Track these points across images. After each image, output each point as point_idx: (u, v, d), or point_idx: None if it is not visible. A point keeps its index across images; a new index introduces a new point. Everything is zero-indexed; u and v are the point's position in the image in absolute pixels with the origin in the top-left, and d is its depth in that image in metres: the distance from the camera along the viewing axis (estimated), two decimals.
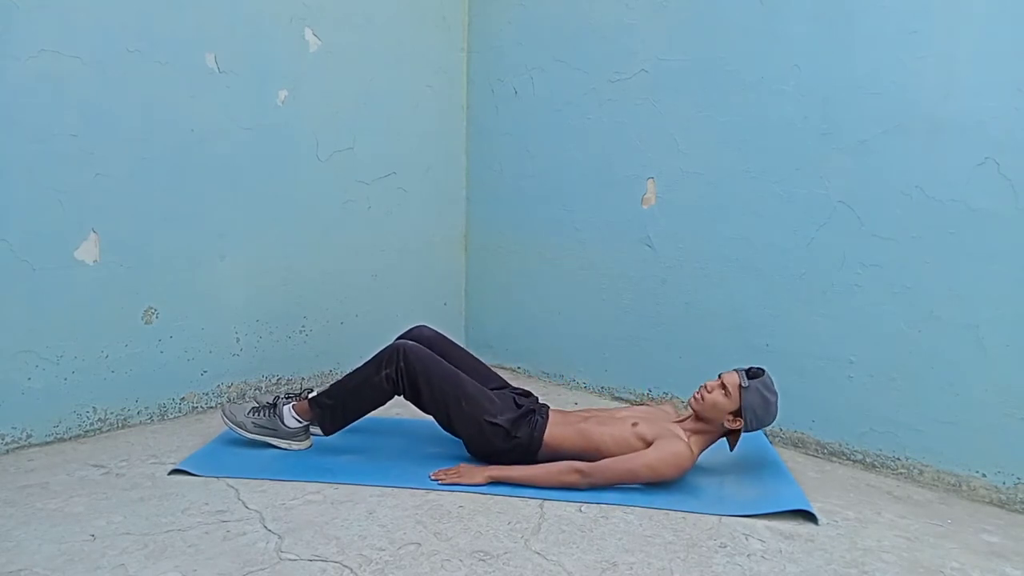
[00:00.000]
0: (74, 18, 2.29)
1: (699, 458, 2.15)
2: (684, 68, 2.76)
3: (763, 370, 2.13)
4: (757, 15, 2.55)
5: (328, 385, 2.35)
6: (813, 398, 2.48)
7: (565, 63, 3.12)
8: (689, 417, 2.19)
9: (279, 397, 2.35)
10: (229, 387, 2.78)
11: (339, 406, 2.26)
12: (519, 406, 2.25)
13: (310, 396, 2.32)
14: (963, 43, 2.14)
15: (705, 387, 2.12)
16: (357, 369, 2.27)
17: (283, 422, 2.29)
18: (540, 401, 2.36)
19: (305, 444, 2.32)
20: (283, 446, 2.29)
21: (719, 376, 2.14)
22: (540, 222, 3.27)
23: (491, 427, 2.16)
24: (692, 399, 2.14)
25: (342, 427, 2.29)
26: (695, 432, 2.14)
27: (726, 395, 2.08)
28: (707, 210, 2.73)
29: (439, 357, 2.25)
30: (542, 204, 3.25)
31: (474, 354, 2.53)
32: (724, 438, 2.18)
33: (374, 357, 2.24)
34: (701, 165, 2.74)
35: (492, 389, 2.30)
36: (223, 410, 2.33)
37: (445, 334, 2.48)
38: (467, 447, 2.26)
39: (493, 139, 3.43)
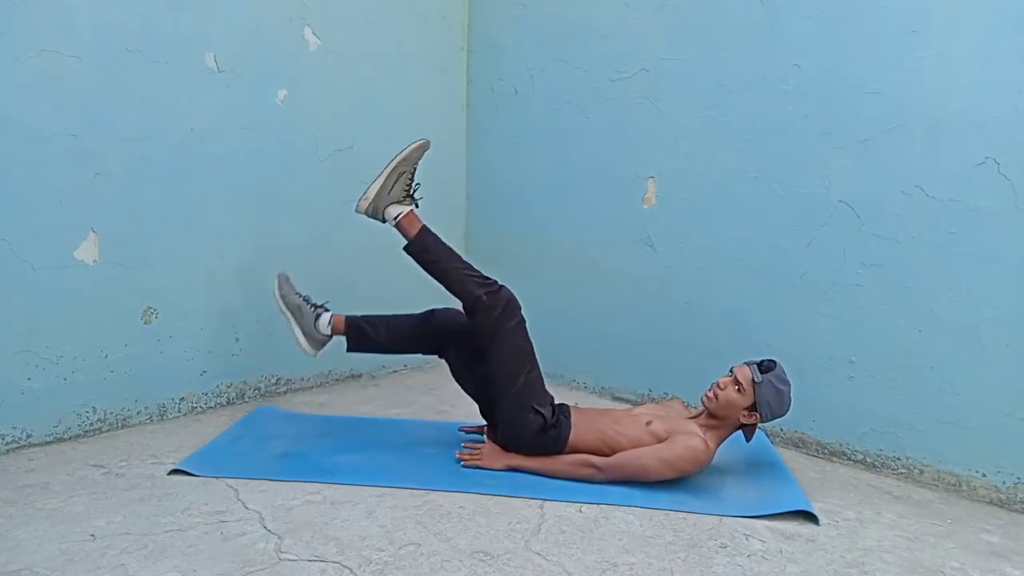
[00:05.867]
0: (74, 18, 2.29)
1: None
2: (684, 67, 2.76)
3: (775, 362, 2.11)
4: (757, 14, 2.55)
5: (441, 244, 2.33)
6: (813, 398, 2.48)
7: (565, 62, 3.12)
8: (702, 414, 2.17)
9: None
10: (229, 387, 2.78)
11: (433, 255, 2.28)
12: (555, 405, 2.24)
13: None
14: (963, 43, 2.14)
15: (718, 384, 2.10)
16: (467, 265, 2.27)
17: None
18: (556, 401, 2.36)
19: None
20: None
21: (731, 371, 2.12)
22: (540, 222, 3.27)
23: (535, 415, 2.14)
24: (705, 397, 2.12)
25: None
26: (709, 428, 2.12)
27: (739, 391, 2.07)
28: (707, 210, 2.73)
29: (526, 327, 2.25)
30: (542, 204, 3.25)
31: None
32: (740, 431, 2.16)
33: (485, 278, 2.24)
34: (701, 165, 2.74)
35: None
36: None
37: None
38: (495, 428, 2.26)
39: (493, 139, 3.43)
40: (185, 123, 2.57)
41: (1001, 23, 2.08)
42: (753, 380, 2.07)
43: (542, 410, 2.15)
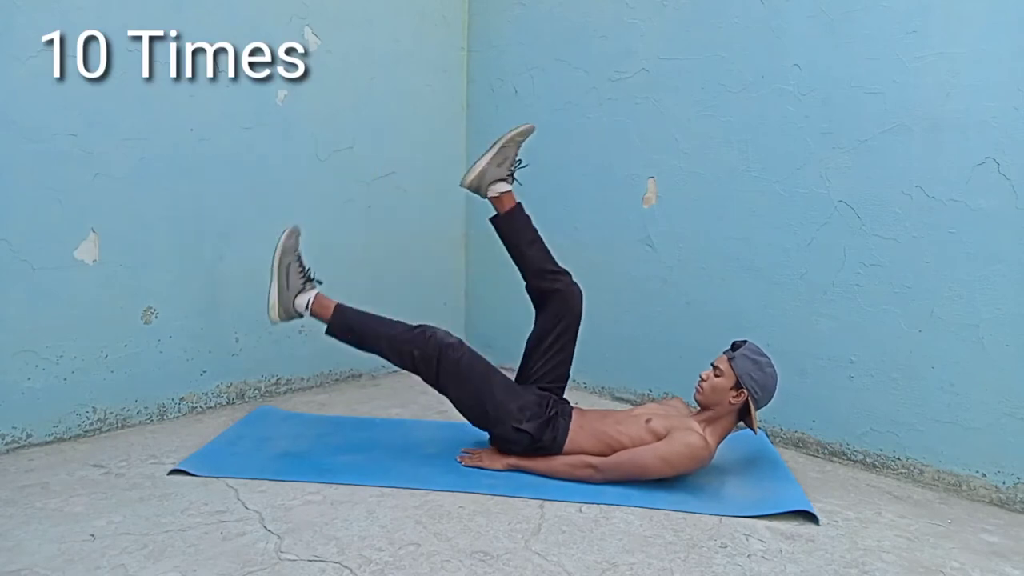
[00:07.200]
0: (74, 18, 2.29)
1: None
2: (685, 67, 2.76)
3: (745, 341, 2.15)
4: (758, 14, 2.55)
5: (363, 311, 2.30)
6: (813, 398, 2.48)
7: (565, 62, 3.12)
8: (699, 411, 2.18)
9: (317, 283, 2.32)
10: (229, 387, 2.78)
11: (356, 333, 2.28)
12: (546, 409, 2.22)
13: (338, 303, 2.29)
14: (963, 43, 2.14)
15: (701, 376, 2.15)
16: (394, 322, 2.27)
17: (296, 296, 2.25)
18: (564, 397, 2.36)
19: (275, 318, 2.23)
20: (271, 297, 2.21)
21: (710, 364, 2.16)
22: (540, 222, 3.24)
23: (516, 433, 2.17)
24: (695, 392, 2.15)
25: (343, 342, 2.31)
26: (708, 423, 2.12)
27: (719, 374, 2.10)
28: (707, 210, 2.73)
29: (473, 354, 2.24)
30: (542, 204, 3.24)
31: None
32: (744, 425, 2.16)
33: (412, 329, 2.24)
34: (701, 165, 2.73)
35: (524, 383, 2.32)
36: (291, 231, 2.25)
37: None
38: (490, 440, 2.28)
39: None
40: (185, 123, 2.57)
41: (1001, 23, 2.08)
42: (728, 358, 2.10)
43: (524, 427, 2.16)
